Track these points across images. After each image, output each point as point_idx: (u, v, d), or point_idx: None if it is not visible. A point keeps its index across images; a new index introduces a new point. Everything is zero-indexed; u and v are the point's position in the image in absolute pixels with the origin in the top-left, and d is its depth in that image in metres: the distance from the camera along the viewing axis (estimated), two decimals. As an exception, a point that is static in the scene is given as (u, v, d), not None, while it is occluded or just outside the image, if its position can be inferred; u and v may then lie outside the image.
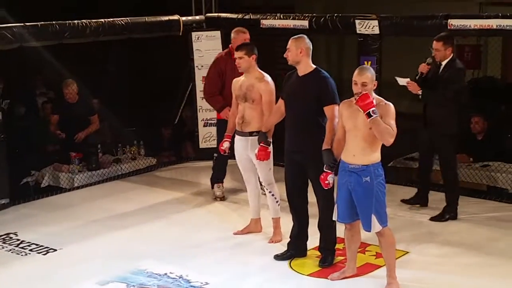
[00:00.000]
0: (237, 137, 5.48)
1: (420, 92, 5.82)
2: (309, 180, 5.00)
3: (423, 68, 5.93)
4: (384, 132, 4.31)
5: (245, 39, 6.29)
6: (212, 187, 6.68)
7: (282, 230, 5.44)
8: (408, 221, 5.96)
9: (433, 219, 5.95)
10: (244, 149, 5.41)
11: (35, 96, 9.46)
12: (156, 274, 4.95)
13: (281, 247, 5.26)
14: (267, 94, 5.29)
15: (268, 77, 5.38)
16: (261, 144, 5.17)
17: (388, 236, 4.56)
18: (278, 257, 5.16)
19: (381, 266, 4.91)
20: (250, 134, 5.35)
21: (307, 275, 4.91)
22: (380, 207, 4.47)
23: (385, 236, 4.54)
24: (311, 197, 5.07)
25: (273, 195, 5.43)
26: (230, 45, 6.45)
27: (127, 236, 5.78)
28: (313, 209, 5.10)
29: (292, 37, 4.92)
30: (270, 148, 5.21)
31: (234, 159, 5.64)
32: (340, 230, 4.87)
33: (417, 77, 5.96)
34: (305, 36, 4.95)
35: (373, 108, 4.27)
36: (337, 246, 5.08)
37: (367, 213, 4.46)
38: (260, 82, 5.31)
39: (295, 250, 5.16)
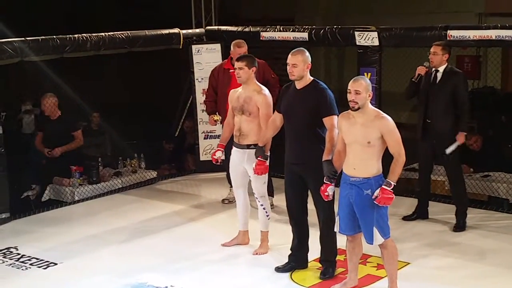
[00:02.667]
0: (234, 149, 5.47)
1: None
2: (309, 192, 4.99)
3: (421, 70, 5.90)
4: (401, 168, 4.42)
5: (239, 53, 6.34)
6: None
7: (284, 241, 5.41)
8: (409, 232, 5.94)
9: (455, 230, 5.94)
10: (241, 162, 5.39)
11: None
12: (156, 287, 4.93)
13: (282, 259, 5.24)
14: (265, 107, 5.26)
15: (266, 90, 5.36)
16: (258, 158, 5.14)
17: (391, 247, 4.54)
18: (279, 269, 5.14)
19: (382, 278, 4.89)
20: (248, 146, 5.32)
21: (308, 287, 4.89)
22: (382, 219, 4.46)
23: (387, 248, 4.53)
24: (311, 209, 5.05)
25: (264, 208, 5.41)
26: (229, 57, 6.59)
27: (128, 250, 5.77)
28: (312, 220, 5.09)
29: (293, 52, 4.85)
30: (267, 163, 5.18)
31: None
32: (342, 241, 4.86)
33: (414, 79, 5.91)
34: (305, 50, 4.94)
35: (392, 195, 4.35)
36: (338, 257, 5.06)
37: (369, 225, 4.45)
38: (258, 95, 5.29)
39: (296, 262, 5.14)
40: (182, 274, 5.17)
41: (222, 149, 5.55)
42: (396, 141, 4.39)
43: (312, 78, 4.90)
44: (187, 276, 5.13)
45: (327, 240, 4.97)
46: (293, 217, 5.10)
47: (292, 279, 5.02)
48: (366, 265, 5.15)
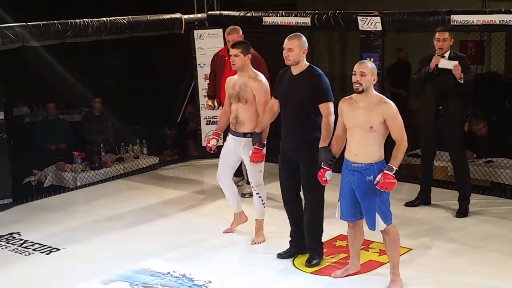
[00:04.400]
0: (230, 136, 5.40)
1: (462, 77, 5.71)
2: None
3: (438, 60, 5.78)
4: (403, 153, 4.40)
5: (229, 40, 6.32)
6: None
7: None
8: (411, 218, 5.94)
9: (458, 216, 5.93)
10: (236, 150, 5.34)
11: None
12: (159, 273, 4.95)
13: (283, 244, 5.23)
14: (262, 94, 5.18)
15: (262, 77, 5.28)
16: (255, 146, 5.09)
17: (393, 233, 4.54)
18: (281, 256, 5.14)
19: (384, 263, 4.90)
20: (244, 135, 5.27)
21: (310, 272, 4.90)
22: (384, 205, 4.45)
23: (389, 234, 4.53)
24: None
25: (260, 197, 5.37)
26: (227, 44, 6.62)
27: (130, 235, 5.78)
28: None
29: (290, 37, 4.81)
30: (264, 151, 5.12)
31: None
32: (344, 227, 4.85)
33: (432, 70, 5.79)
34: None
35: (394, 180, 4.32)
36: (340, 243, 5.07)
37: (371, 212, 4.45)
38: (254, 82, 5.21)
39: (297, 248, 5.14)
40: (184, 260, 5.18)
41: (217, 137, 5.50)
42: (399, 126, 4.38)
43: (308, 64, 4.86)
44: (188, 262, 5.14)
45: (311, 227, 4.96)
46: (288, 204, 5.09)
47: (294, 265, 5.03)
48: (368, 251, 5.16)
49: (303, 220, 5.06)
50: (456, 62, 5.72)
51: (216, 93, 6.74)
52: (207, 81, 7.15)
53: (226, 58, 6.36)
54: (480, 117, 7.31)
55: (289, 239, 5.18)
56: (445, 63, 5.78)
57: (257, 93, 5.19)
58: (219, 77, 6.54)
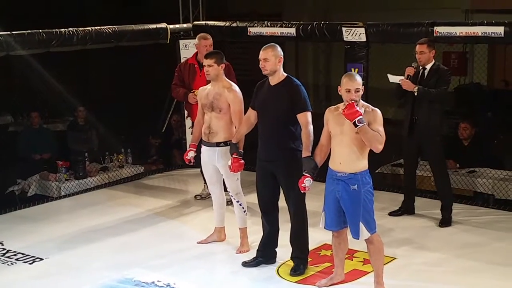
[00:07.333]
0: (203, 148, 5.39)
1: (415, 90, 5.82)
2: (280, 189, 4.99)
3: (410, 70, 5.93)
4: (373, 140, 4.33)
5: (205, 45, 6.33)
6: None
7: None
8: (395, 228, 5.98)
9: (441, 225, 5.98)
10: (211, 160, 5.34)
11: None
12: (143, 282, 4.93)
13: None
14: (236, 104, 5.20)
15: (235, 87, 5.30)
16: (233, 155, 5.09)
17: (377, 242, 4.56)
18: (246, 264, 5.15)
19: (368, 272, 4.92)
20: (217, 144, 5.27)
21: (295, 281, 4.91)
22: (368, 214, 4.48)
23: (374, 243, 4.55)
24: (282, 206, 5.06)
25: (240, 204, 5.38)
26: (195, 52, 6.59)
27: (114, 245, 5.75)
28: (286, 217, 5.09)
29: (264, 48, 4.85)
30: (242, 160, 5.12)
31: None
32: (328, 237, 4.87)
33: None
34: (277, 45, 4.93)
35: (360, 117, 4.29)
36: (325, 252, 5.08)
37: (355, 221, 4.47)
38: (228, 92, 5.22)
39: (264, 257, 5.16)
40: (168, 269, 5.17)
41: (194, 149, 5.48)
42: (380, 131, 4.38)
43: (285, 74, 4.91)
44: (173, 271, 5.13)
45: (297, 237, 4.98)
46: (264, 213, 5.11)
47: (278, 274, 5.03)
48: (352, 260, 5.18)
49: (278, 228, 5.10)
50: (402, 77, 5.88)
51: (186, 105, 6.70)
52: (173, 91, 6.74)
53: (196, 65, 6.42)
54: (466, 119, 7.36)
55: (257, 248, 5.18)
56: (393, 78, 5.93)
57: (232, 103, 5.22)
58: (190, 86, 6.45)
